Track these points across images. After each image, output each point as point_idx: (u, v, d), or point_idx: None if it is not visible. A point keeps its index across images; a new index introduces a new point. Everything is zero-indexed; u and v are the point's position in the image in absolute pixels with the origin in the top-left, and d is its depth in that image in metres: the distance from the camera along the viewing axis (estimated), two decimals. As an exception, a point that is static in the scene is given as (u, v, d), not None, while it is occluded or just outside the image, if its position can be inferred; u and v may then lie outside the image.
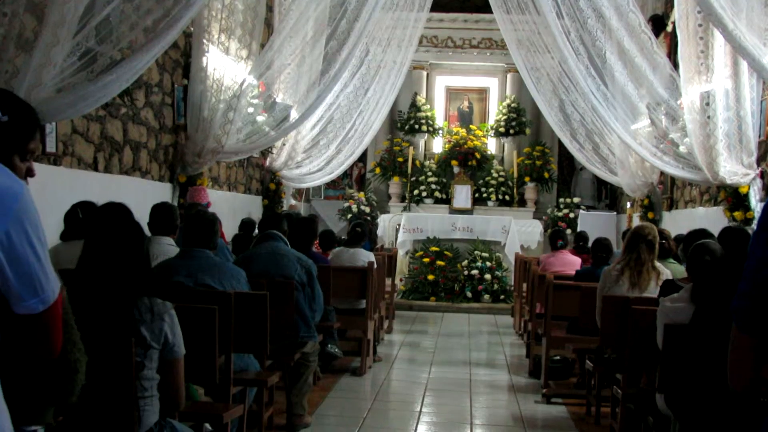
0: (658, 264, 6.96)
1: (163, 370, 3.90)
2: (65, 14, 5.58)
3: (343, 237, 11.59)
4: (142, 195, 8.69)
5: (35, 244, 2.26)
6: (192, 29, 9.94)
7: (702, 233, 5.79)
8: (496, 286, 15.73)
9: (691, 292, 4.73)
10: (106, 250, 3.84)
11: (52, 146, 7.06)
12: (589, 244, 9.97)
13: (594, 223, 16.69)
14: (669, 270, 7.01)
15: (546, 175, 19.36)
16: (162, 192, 9.69)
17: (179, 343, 3.95)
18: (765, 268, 2.36)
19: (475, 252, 15.97)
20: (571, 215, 18.51)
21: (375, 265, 9.69)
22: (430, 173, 19.49)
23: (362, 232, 10.31)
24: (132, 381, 3.72)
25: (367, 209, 18.91)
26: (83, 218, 5.79)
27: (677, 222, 12.68)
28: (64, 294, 2.60)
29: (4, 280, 2.22)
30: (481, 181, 19.38)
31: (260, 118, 11.39)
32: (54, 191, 6.93)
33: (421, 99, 19.79)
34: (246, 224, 10.21)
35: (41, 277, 2.30)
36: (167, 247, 6.41)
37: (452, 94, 20.59)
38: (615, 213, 18.36)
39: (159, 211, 6.69)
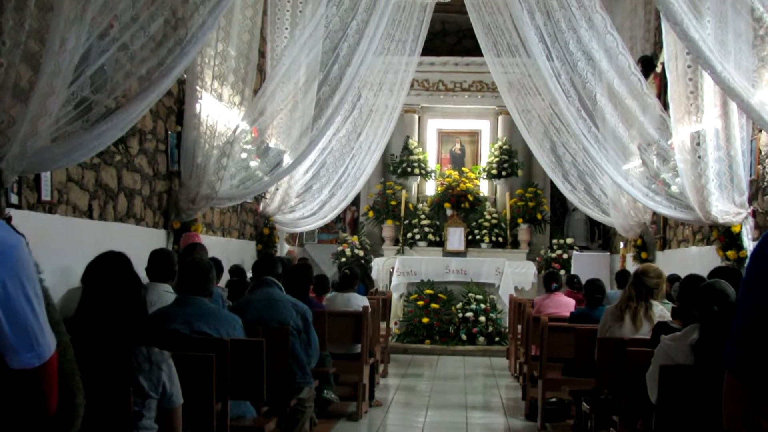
0: (658, 305, 6.96)
1: (162, 419, 3.90)
2: (60, 64, 5.62)
3: (336, 281, 11.56)
4: (136, 242, 8.70)
5: (31, 297, 2.24)
6: (185, 76, 9.98)
7: (700, 280, 5.75)
8: (490, 329, 15.70)
9: (698, 337, 4.72)
10: (103, 300, 3.84)
11: (47, 194, 7.06)
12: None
13: (587, 264, 16.71)
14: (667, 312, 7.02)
15: (539, 216, 19.36)
16: (156, 239, 9.69)
17: (177, 392, 3.94)
18: (755, 313, 2.38)
19: (470, 294, 15.96)
20: (565, 256, 18.50)
21: (369, 310, 9.69)
22: (423, 216, 19.49)
23: (352, 274, 10.30)
24: (130, 431, 3.71)
25: (361, 253, 18.90)
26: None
27: (671, 262, 12.70)
28: (67, 340, 2.60)
29: None
30: (474, 224, 19.38)
31: (253, 164, 11.41)
32: (49, 239, 6.93)
33: (413, 142, 19.84)
34: (235, 272, 10.20)
35: (37, 331, 2.28)
36: (165, 294, 6.42)
37: (444, 136, 20.65)
38: (608, 253, 18.35)
39: (157, 257, 6.70)
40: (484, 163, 20.07)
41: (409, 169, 19.64)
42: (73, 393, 2.68)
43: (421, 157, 19.77)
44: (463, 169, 19.93)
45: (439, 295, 16.08)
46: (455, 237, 19.04)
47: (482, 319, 15.65)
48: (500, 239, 19.27)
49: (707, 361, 4.41)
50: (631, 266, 14.14)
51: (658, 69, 12.99)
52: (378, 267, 17.83)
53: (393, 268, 16.89)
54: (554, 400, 9.29)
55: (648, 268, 7.14)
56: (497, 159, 19.58)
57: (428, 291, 16.10)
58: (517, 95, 15.66)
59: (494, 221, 19.35)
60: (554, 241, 19.25)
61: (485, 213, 19.47)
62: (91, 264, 4.06)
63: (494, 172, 19.62)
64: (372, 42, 11.38)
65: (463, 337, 15.61)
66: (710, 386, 3.72)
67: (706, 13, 8.09)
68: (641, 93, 10.59)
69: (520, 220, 19.31)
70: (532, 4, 10.86)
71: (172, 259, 6.76)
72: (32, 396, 2.35)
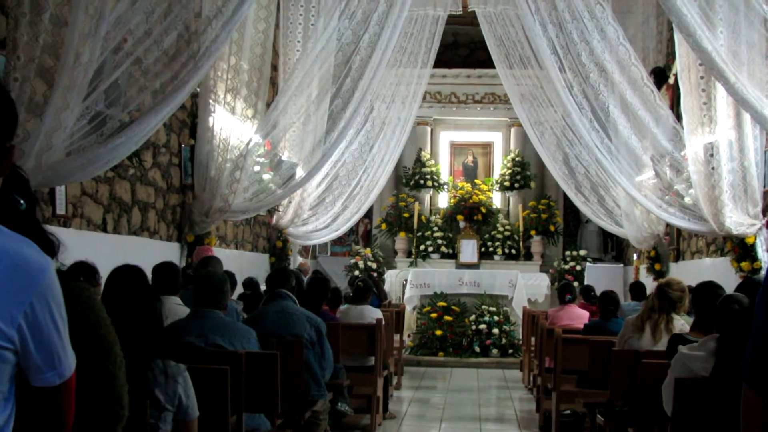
0: (680, 319, 6.94)
1: (177, 432, 3.91)
2: (75, 78, 5.66)
3: (349, 294, 11.57)
4: (150, 255, 8.69)
5: (57, 318, 2.31)
6: (198, 90, 10.00)
7: (711, 285, 5.78)
8: (504, 341, 15.67)
9: (716, 346, 4.70)
10: (119, 313, 3.86)
11: (62, 208, 7.09)
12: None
13: (601, 276, 16.66)
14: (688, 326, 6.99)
15: (552, 228, 19.30)
16: (170, 252, 9.71)
17: (193, 404, 3.95)
18: None
19: (483, 306, 15.94)
20: (578, 268, 18.42)
21: (383, 322, 9.68)
22: (436, 228, 19.45)
23: (365, 286, 10.31)
24: (146, 443, 3.72)
25: (374, 265, 18.89)
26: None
27: (684, 273, 12.65)
28: (122, 357, 2.82)
29: (25, 351, 2.26)
30: (487, 236, 19.32)
31: (266, 177, 11.43)
32: (64, 253, 6.94)
33: (425, 154, 19.81)
34: (249, 285, 10.22)
35: (60, 351, 2.35)
36: (175, 307, 6.44)
37: (456, 149, 20.62)
38: (622, 265, 18.32)
39: (163, 270, 6.72)
40: (496, 175, 20.03)
41: (421, 182, 19.61)
42: (122, 405, 2.85)
43: (433, 169, 19.74)
44: (475, 181, 19.89)
45: (453, 307, 16.06)
46: (468, 249, 18.99)
47: (495, 331, 15.63)
48: (513, 251, 19.21)
49: (726, 369, 4.38)
50: (645, 278, 14.13)
51: (671, 80, 12.98)
52: (391, 279, 17.81)
53: (406, 280, 16.89)
54: (568, 412, 9.26)
55: (671, 280, 7.12)
56: (510, 171, 19.55)
57: (441, 303, 16.09)
58: (529, 107, 15.67)
59: (507, 233, 19.29)
60: (567, 252, 19.19)
61: (498, 225, 19.43)
62: (108, 277, 4.09)
63: (507, 184, 19.58)
64: (384, 55, 11.39)
65: (477, 349, 15.59)
66: (727, 398, 3.71)
67: (718, 24, 8.09)
68: (654, 104, 10.59)
69: (533, 232, 19.26)
70: (545, 17, 10.86)
71: (177, 271, 6.79)
72: (51, 413, 2.42)
